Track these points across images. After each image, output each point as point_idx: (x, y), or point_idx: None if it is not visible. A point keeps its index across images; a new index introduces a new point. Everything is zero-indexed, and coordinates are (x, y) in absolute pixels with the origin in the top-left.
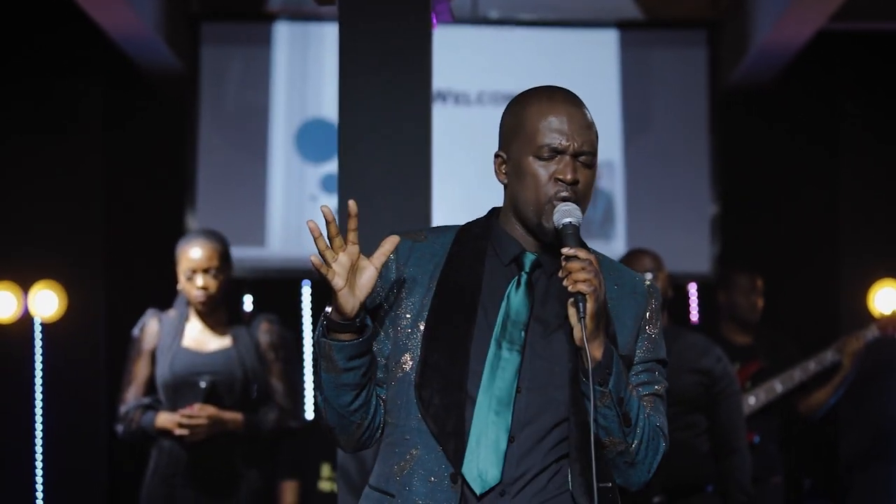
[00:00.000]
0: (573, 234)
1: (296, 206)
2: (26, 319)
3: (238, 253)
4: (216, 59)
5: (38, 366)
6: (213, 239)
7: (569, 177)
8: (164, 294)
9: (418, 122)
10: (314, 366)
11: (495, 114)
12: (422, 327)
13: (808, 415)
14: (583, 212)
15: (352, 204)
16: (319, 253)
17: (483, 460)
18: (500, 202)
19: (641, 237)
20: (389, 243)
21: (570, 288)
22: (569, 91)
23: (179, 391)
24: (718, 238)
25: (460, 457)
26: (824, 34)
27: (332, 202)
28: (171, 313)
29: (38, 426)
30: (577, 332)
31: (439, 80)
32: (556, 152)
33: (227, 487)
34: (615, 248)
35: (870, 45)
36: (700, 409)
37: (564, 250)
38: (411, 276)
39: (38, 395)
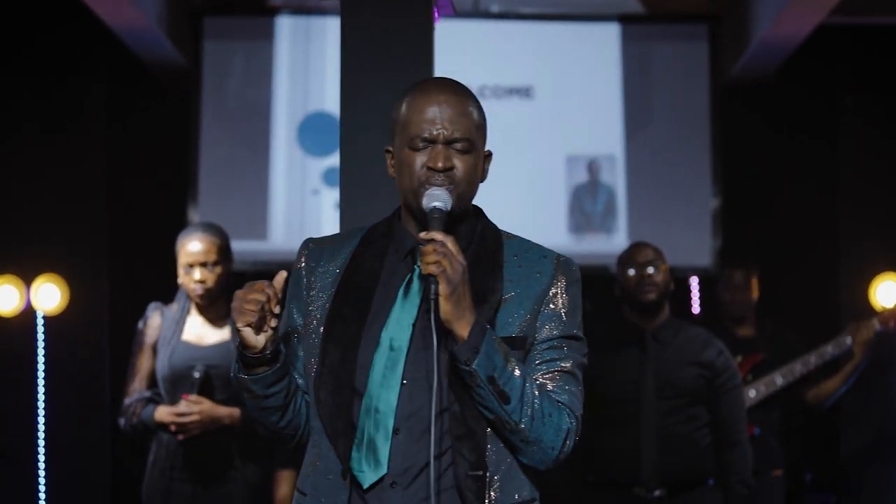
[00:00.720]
0: (438, 219)
1: (298, 199)
2: (28, 313)
3: (240, 246)
4: (218, 53)
5: (41, 359)
6: (211, 232)
7: (439, 164)
8: (166, 288)
9: None
10: (239, 395)
11: (497, 108)
12: (321, 331)
13: (816, 404)
14: (466, 196)
15: (281, 275)
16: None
17: (367, 454)
18: (498, 195)
19: (643, 231)
20: (279, 281)
21: (423, 271)
22: (447, 81)
23: (177, 384)
24: (719, 232)
25: (348, 453)
26: (824, 28)
27: (333, 196)
28: (174, 307)
29: (41, 420)
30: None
31: (441, 74)
32: (429, 142)
33: (224, 482)
34: (617, 241)
35: (870, 40)
36: (702, 402)
37: (422, 234)
38: (318, 283)
39: (41, 389)
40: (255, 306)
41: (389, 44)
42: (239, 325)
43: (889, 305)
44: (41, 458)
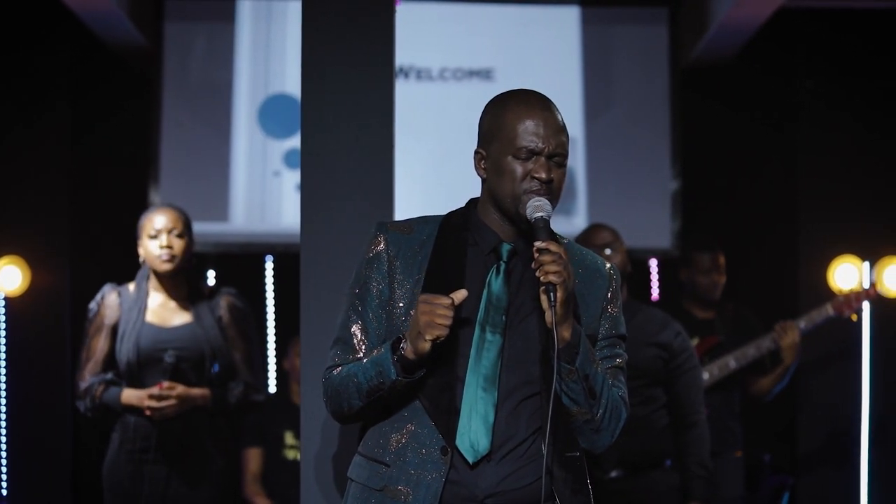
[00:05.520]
0: (544, 228)
1: (259, 181)
2: None
3: (201, 228)
4: (180, 35)
5: (2, 341)
6: (176, 208)
7: (544, 176)
8: (127, 269)
9: (381, 98)
10: (370, 392)
11: (457, 90)
12: (412, 315)
13: (757, 398)
14: (554, 206)
15: (462, 293)
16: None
17: (474, 433)
18: (459, 178)
19: (602, 213)
20: (459, 298)
21: (541, 279)
22: (542, 95)
23: (145, 368)
24: (679, 213)
25: (452, 431)
26: (784, 11)
27: (294, 178)
28: (131, 288)
29: (2, 401)
30: (548, 317)
31: (402, 56)
32: (533, 153)
33: (197, 462)
34: (576, 223)
35: (829, 22)
36: (659, 382)
37: (537, 244)
38: (402, 268)
39: (2, 370)
40: (447, 321)
41: (351, 26)
42: (428, 337)
43: (844, 291)
44: (3, 438)
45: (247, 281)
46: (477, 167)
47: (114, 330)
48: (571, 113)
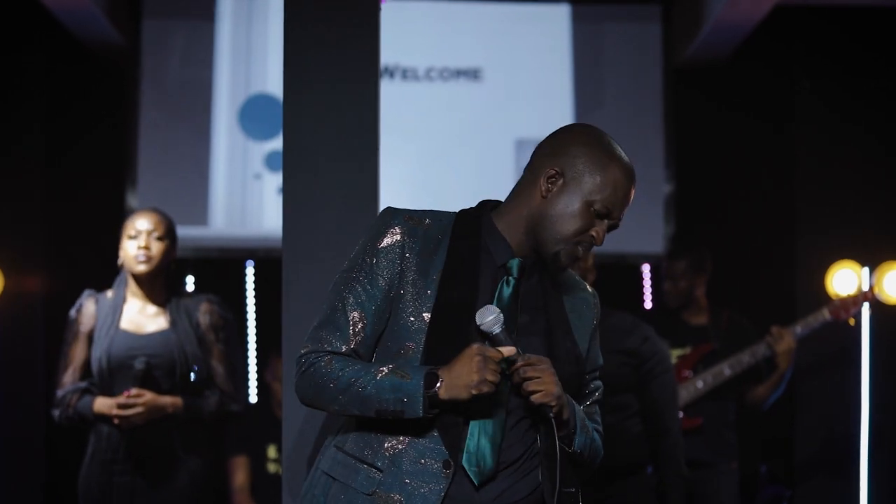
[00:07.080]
0: (503, 338)
1: (239, 184)
2: None
3: (180, 232)
4: (158, 32)
5: None
6: (160, 212)
7: (598, 239)
8: (103, 275)
9: (366, 98)
10: (380, 413)
11: (445, 91)
12: (426, 318)
13: (753, 407)
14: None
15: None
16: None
17: (482, 451)
18: (446, 179)
19: None
20: (508, 353)
21: (534, 401)
22: (633, 168)
23: (116, 374)
24: (672, 217)
25: (457, 446)
26: (780, 9)
27: (276, 180)
28: (109, 294)
29: None
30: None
31: (387, 55)
32: (602, 216)
33: (167, 473)
34: None
35: (825, 20)
36: (629, 389)
37: (517, 364)
38: (416, 266)
39: None
40: (497, 378)
41: (335, 25)
42: (475, 392)
43: (840, 295)
44: None
45: (227, 287)
46: (542, 181)
47: (90, 337)
48: (561, 113)
